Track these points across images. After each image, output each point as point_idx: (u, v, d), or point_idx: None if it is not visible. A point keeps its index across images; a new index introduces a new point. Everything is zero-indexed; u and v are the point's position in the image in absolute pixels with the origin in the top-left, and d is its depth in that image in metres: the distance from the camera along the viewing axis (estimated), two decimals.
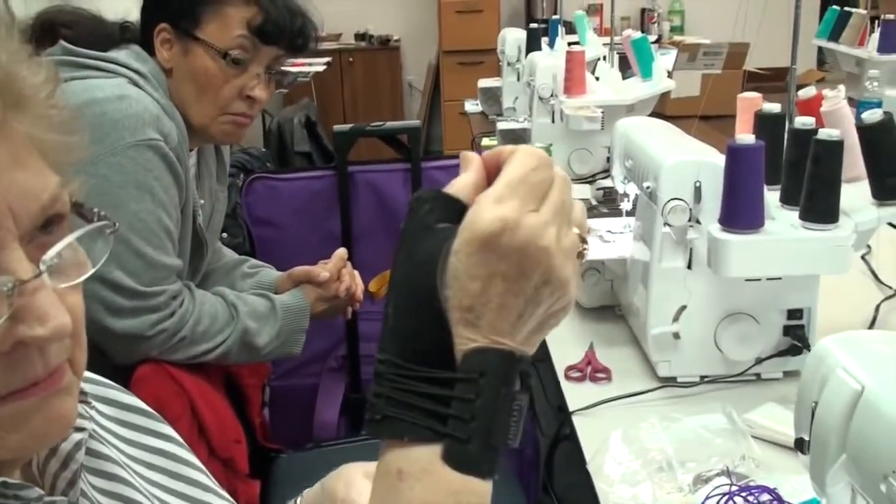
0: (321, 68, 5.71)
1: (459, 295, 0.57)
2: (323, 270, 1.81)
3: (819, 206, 1.36)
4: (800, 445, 0.82)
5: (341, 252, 1.86)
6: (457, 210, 0.58)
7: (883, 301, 1.77)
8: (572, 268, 0.60)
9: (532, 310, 0.59)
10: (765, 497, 1.16)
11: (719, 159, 1.42)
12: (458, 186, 0.60)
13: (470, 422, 0.56)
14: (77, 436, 0.69)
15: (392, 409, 0.58)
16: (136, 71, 1.57)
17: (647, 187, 1.52)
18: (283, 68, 1.69)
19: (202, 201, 1.76)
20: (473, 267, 0.57)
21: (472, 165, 0.61)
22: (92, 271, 0.61)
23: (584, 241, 0.61)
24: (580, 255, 0.61)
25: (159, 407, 0.85)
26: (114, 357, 1.53)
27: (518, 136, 2.92)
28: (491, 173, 0.61)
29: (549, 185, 0.59)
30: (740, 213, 1.37)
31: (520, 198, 0.57)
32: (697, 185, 1.44)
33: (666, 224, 1.46)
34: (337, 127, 2.24)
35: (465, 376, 0.57)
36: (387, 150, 2.29)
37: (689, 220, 1.45)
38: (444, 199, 0.59)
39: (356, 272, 1.89)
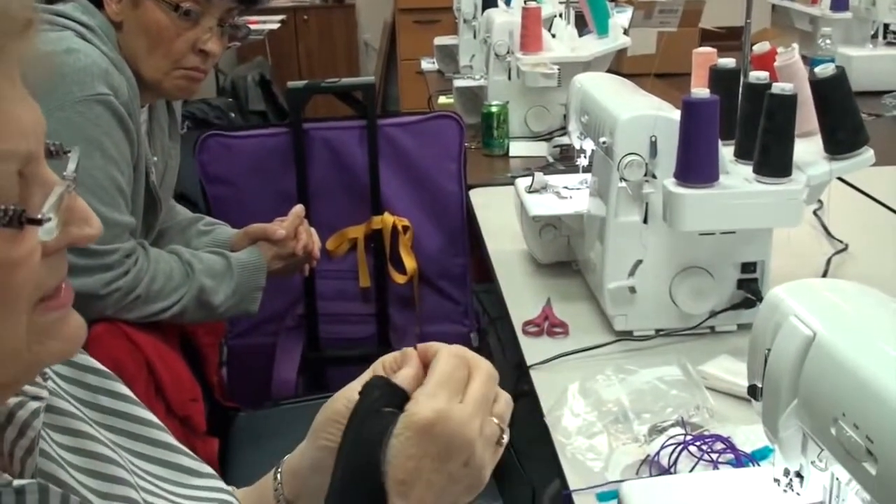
0: (275, 26, 5.62)
1: (397, 470, 0.68)
2: (279, 228, 1.79)
3: (772, 160, 1.38)
4: (753, 392, 0.84)
5: (298, 209, 1.85)
6: (400, 397, 0.70)
7: (834, 255, 1.80)
8: (490, 454, 0.71)
9: (451, 487, 0.69)
10: (718, 446, 1.19)
11: (675, 114, 1.43)
12: (401, 378, 0.72)
13: None
14: (34, 404, 0.69)
15: None
16: (83, 24, 1.53)
17: (604, 142, 1.52)
18: (236, 22, 1.66)
19: (155, 158, 1.73)
20: (410, 448, 0.68)
21: (412, 361, 0.74)
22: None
23: (502, 430, 0.72)
24: (499, 442, 0.72)
25: (115, 366, 0.84)
26: None
27: (475, 94, 2.90)
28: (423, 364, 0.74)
29: (466, 380, 0.71)
30: (695, 167, 1.38)
31: (448, 393, 0.69)
32: (653, 139, 1.44)
33: (622, 179, 1.47)
34: (291, 83, 2.21)
35: None
36: (342, 109, 2.27)
37: (645, 175, 1.46)
38: (391, 387, 0.71)
39: (313, 230, 1.88)
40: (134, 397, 0.83)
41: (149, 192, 1.66)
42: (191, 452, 0.84)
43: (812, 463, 0.79)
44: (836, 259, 1.78)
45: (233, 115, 3.00)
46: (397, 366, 0.76)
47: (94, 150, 1.48)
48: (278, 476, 0.86)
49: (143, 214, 1.67)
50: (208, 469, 0.84)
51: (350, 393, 0.78)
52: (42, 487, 0.64)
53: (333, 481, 0.70)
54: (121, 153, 1.52)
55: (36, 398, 0.69)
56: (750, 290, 1.49)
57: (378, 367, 0.78)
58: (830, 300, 0.79)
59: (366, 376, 0.78)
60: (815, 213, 1.95)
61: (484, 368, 0.73)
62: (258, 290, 1.74)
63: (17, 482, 0.62)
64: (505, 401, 0.74)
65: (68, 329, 0.64)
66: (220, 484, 0.83)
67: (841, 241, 1.85)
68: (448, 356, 0.73)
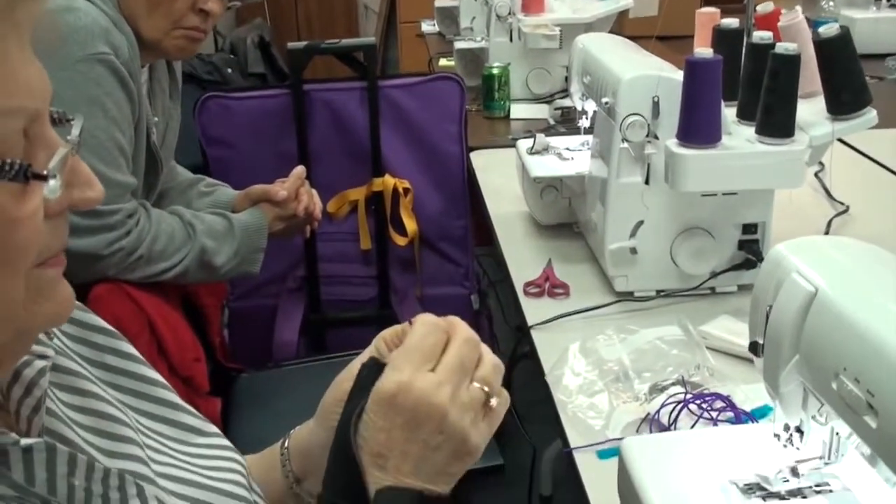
0: None
1: (370, 443, 0.70)
2: (281, 189, 1.79)
3: (775, 120, 1.37)
4: (754, 349, 0.84)
5: (299, 170, 1.85)
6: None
7: (835, 216, 1.80)
8: (471, 419, 0.71)
9: (431, 455, 0.70)
10: (718, 404, 1.20)
11: (678, 74, 1.42)
12: (388, 355, 0.73)
13: None
14: (39, 363, 0.69)
15: None
16: None
17: (606, 103, 1.52)
18: None
19: (156, 119, 1.72)
20: (379, 421, 0.70)
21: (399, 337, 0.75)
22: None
23: (489, 394, 0.72)
24: (486, 405, 0.72)
25: (117, 326, 0.83)
26: (69, 276, 1.50)
27: (475, 56, 2.89)
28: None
29: (440, 347, 0.72)
30: (698, 127, 1.38)
31: (413, 364, 0.70)
32: (656, 100, 1.44)
33: (624, 140, 1.47)
34: (291, 44, 2.20)
35: None
36: (342, 72, 2.25)
37: (647, 136, 1.46)
38: (380, 367, 0.72)
39: (314, 192, 1.88)
40: (139, 356, 0.83)
41: (150, 153, 1.66)
42: (195, 411, 0.85)
43: (812, 418, 0.79)
44: (837, 221, 1.78)
45: (229, 70, 2.96)
46: (398, 340, 0.77)
47: (95, 109, 1.47)
48: (285, 451, 0.86)
49: (144, 175, 1.67)
50: (212, 428, 0.84)
51: (353, 370, 0.78)
52: (49, 446, 0.64)
53: (329, 457, 0.73)
54: (122, 113, 1.52)
55: (42, 357, 0.69)
56: (751, 250, 1.49)
57: (379, 342, 0.78)
58: (833, 257, 0.80)
59: (368, 352, 0.79)
60: (816, 175, 1.95)
61: (461, 333, 0.73)
62: (260, 252, 1.74)
63: (24, 441, 0.63)
64: (491, 364, 0.74)
65: (63, 292, 0.64)
66: (224, 442, 0.84)
67: (842, 203, 1.85)
68: (420, 325, 0.73)
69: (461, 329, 0.74)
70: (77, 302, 0.82)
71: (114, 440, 0.74)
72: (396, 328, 0.78)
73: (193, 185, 1.89)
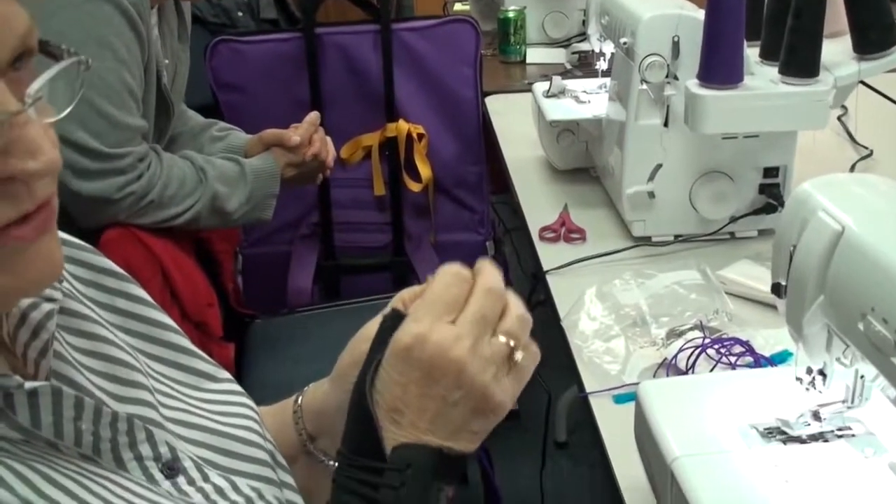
0: None
1: (386, 397, 0.67)
2: (294, 135, 1.77)
3: (799, 60, 1.33)
4: (776, 290, 0.82)
5: (313, 116, 1.82)
6: None
7: (858, 161, 1.76)
8: (494, 374, 0.66)
9: (449, 411, 0.66)
10: (737, 349, 1.18)
11: (699, 13, 1.39)
12: (410, 306, 0.70)
13: None
14: (47, 306, 0.67)
15: (340, 494, 0.68)
16: None
17: (624, 43, 1.48)
18: None
19: (166, 61, 1.69)
20: (395, 375, 0.67)
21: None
22: (69, 109, 0.59)
23: (513, 348, 0.68)
24: (511, 359, 0.68)
25: (128, 271, 0.82)
26: (80, 221, 1.50)
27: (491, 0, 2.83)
28: None
29: (463, 298, 0.68)
30: (719, 67, 1.34)
31: (432, 315, 0.67)
32: (675, 39, 1.40)
33: (643, 81, 1.43)
34: None
35: (392, 466, 0.66)
36: (356, 14, 2.21)
37: (667, 77, 1.42)
38: (400, 319, 0.68)
39: (328, 139, 1.85)
40: (150, 300, 0.81)
41: (161, 96, 1.64)
42: (207, 357, 0.83)
43: (837, 360, 0.77)
44: (861, 165, 1.75)
45: (240, 14, 2.90)
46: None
47: (105, 51, 1.45)
48: (298, 409, 0.84)
49: (155, 119, 1.65)
50: (224, 374, 0.83)
51: (369, 331, 0.75)
52: (55, 389, 0.63)
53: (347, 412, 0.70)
54: (132, 54, 1.49)
55: (49, 300, 0.67)
56: (772, 195, 1.46)
57: (397, 302, 0.75)
58: (860, 194, 0.77)
59: (386, 311, 0.75)
60: (839, 119, 1.91)
61: (484, 282, 0.69)
62: (272, 198, 1.73)
63: (28, 384, 0.61)
64: (517, 316, 0.69)
65: (33, 258, 0.58)
66: (237, 388, 0.83)
67: (866, 148, 1.81)
68: (443, 275, 0.69)
69: (486, 277, 0.69)
70: (88, 245, 0.80)
71: (123, 385, 0.73)
72: (416, 289, 0.74)
73: (206, 130, 1.87)
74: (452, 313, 0.67)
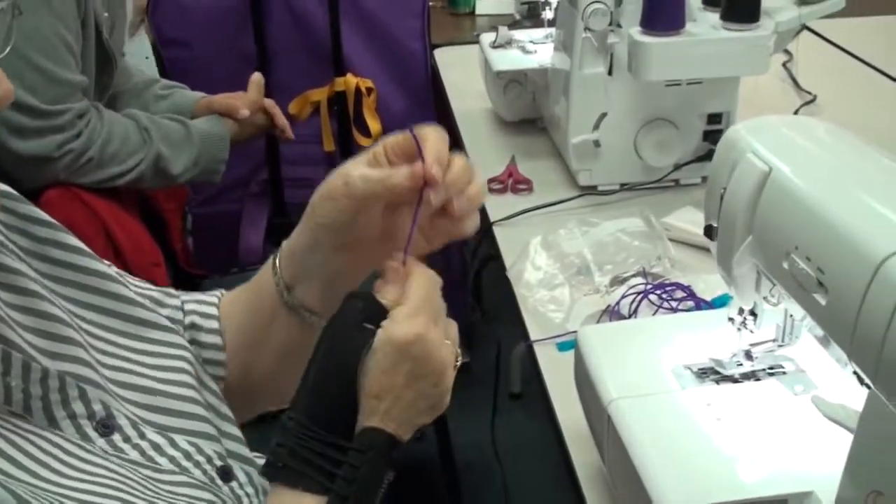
0: None
1: (372, 383, 0.70)
2: (242, 107, 1.75)
3: (740, 5, 1.34)
4: (709, 232, 0.83)
5: (257, 78, 1.80)
6: (380, 313, 0.72)
7: (802, 106, 1.77)
8: (452, 379, 0.73)
9: (418, 403, 0.71)
10: (679, 294, 1.19)
11: None
12: (385, 296, 0.73)
13: (352, 483, 0.69)
14: None
15: (293, 461, 0.70)
16: None
17: None
18: None
19: (105, 14, 1.65)
20: (387, 364, 0.70)
21: (397, 278, 0.73)
22: (4, 52, 0.57)
23: (458, 353, 0.74)
24: (455, 366, 0.74)
25: (71, 230, 0.80)
26: (20, 181, 1.47)
27: None
28: (411, 155, 0.73)
29: (441, 306, 0.74)
30: (661, 14, 1.34)
31: (426, 315, 0.71)
32: None
33: (586, 29, 1.43)
34: None
35: (358, 447, 0.69)
36: None
37: (610, 25, 1.42)
38: (374, 302, 0.72)
39: (276, 108, 1.83)
40: (87, 249, 0.80)
41: (101, 50, 1.60)
42: (149, 304, 0.82)
43: (765, 299, 0.79)
44: (804, 110, 1.76)
45: None
46: (400, 151, 0.74)
47: (39, 5, 1.41)
48: (277, 264, 0.84)
49: (97, 74, 1.61)
50: (164, 322, 0.82)
51: (347, 170, 0.75)
52: None
53: (306, 381, 0.72)
54: (67, 8, 1.46)
55: None
56: (715, 141, 1.45)
57: (379, 151, 0.75)
58: (789, 136, 0.78)
59: (362, 159, 0.76)
60: (784, 65, 1.92)
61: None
62: (221, 163, 1.71)
63: None
64: (454, 326, 0.76)
65: None
66: (176, 339, 0.82)
67: (809, 93, 1.83)
68: (429, 278, 0.74)
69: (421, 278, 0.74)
70: (14, 192, 0.79)
71: (57, 341, 0.72)
72: (398, 138, 0.75)
73: (149, 87, 1.83)
74: (440, 318, 0.73)
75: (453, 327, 0.75)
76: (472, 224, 0.79)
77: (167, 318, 0.83)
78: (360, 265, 0.80)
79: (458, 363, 0.74)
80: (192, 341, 0.86)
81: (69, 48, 1.47)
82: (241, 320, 0.87)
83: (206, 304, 0.89)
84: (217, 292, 0.91)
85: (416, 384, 0.70)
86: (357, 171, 0.74)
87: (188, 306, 0.88)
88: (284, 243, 0.84)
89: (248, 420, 0.90)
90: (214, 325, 0.87)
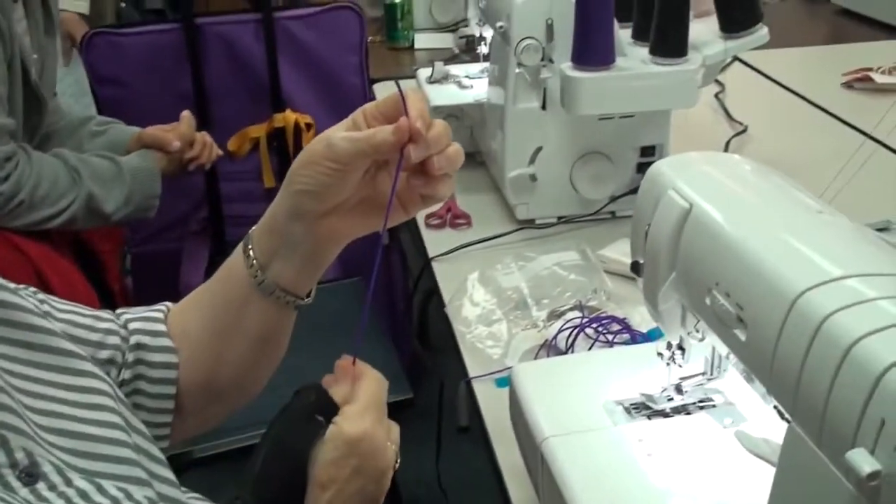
0: None
1: (320, 472, 0.74)
2: (174, 139, 1.73)
3: (668, 40, 1.36)
4: (635, 269, 0.84)
5: (187, 114, 1.78)
6: (330, 408, 0.76)
7: (733, 136, 1.80)
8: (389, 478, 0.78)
9: (357, 497, 0.75)
10: (615, 327, 1.20)
11: None
12: (336, 393, 0.77)
13: None
14: None
15: None
16: None
17: (500, 27, 1.48)
18: None
19: (35, 56, 1.63)
20: (336, 456, 0.74)
21: (346, 378, 0.77)
22: None
23: (397, 456, 0.79)
24: (394, 468, 0.79)
25: (1, 276, 0.79)
26: None
27: None
28: (390, 116, 0.75)
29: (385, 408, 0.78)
30: (591, 49, 1.36)
31: (374, 416, 0.75)
32: (549, 22, 1.41)
33: (519, 64, 1.44)
34: None
35: None
36: (238, 4, 2.17)
37: (542, 60, 1.43)
38: (325, 397, 0.76)
39: (208, 137, 1.82)
40: (13, 302, 0.78)
41: (30, 92, 1.58)
42: (72, 349, 0.80)
43: (689, 334, 0.79)
44: (736, 141, 1.79)
45: (122, 4, 2.82)
46: (379, 114, 0.76)
47: None
48: (248, 240, 0.84)
49: (26, 116, 1.59)
50: (86, 365, 0.80)
51: (327, 135, 0.76)
52: None
53: (254, 463, 0.74)
54: None
55: None
56: None
57: (358, 115, 0.77)
58: (709, 173, 0.79)
59: (344, 124, 0.77)
60: (716, 95, 1.95)
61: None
62: (154, 198, 1.69)
63: None
64: (397, 428, 0.80)
65: None
66: (97, 383, 0.79)
67: (741, 123, 1.86)
68: (377, 381, 0.78)
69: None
70: None
71: None
72: (377, 103, 0.77)
73: (84, 125, 1.81)
74: (383, 419, 0.77)
75: (396, 429, 0.79)
76: (447, 187, 0.80)
77: (97, 342, 0.83)
78: (339, 235, 0.81)
79: (398, 465, 0.78)
80: (138, 361, 0.85)
81: None
82: (206, 316, 0.87)
83: (153, 322, 0.88)
84: (162, 306, 0.91)
85: (359, 479, 0.74)
86: (340, 133, 0.76)
87: (133, 325, 0.88)
88: (255, 227, 0.84)
89: (212, 428, 0.93)
90: (165, 342, 0.87)
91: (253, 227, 0.85)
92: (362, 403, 0.76)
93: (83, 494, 0.71)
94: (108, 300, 1.80)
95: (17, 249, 1.48)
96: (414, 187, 0.78)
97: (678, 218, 0.74)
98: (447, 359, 1.79)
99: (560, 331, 1.19)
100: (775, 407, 0.63)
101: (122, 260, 2.13)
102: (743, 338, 0.65)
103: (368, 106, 0.78)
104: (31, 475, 0.69)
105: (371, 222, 0.81)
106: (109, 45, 2.08)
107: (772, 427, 0.76)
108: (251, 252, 0.83)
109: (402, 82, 0.80)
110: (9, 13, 1.47)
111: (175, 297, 2.16)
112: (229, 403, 0.91)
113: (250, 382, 0.89)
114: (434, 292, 1.59)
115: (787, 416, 0.61)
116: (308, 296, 0.85)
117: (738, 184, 0.77)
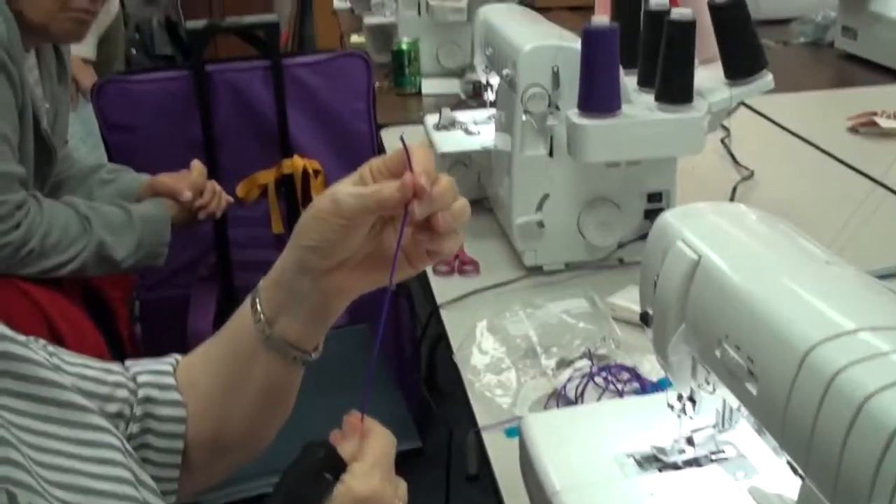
0: None
1: None
2: (186, 189, 1.74)
3: (673, 87, 1.37)
4: (644, 319, 0.83)
5: (198, 165, 1.80)
6: (338, 465, 0.75)
7: (740, 182, 1.81)
8: None
9: None
10: (624, 375, 1.19)
11: (577, 44, 1.41)
12: (344, 450, 0.76)
13: None
14: None
15: None
16: None
17: (507, 75, 1.50)
18: None
19: (46, 105, 1.65)
20: None
21: (354, 434, 0.77)
22: None
23: None
24: None
25: (10, 325, 0.78)
26: None
27: (385, 31, 2.84)
28: (397, 172, 0.75)
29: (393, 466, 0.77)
30: (597, 97, 1.37)
31: (382, 473, 0.75)
32: (555, 70, 1.42)
33: (526, 112, 1.45)
34: (190, 23, 2.13)
35: None
36: (247, 50, 2.19)
37: (549, 107, 1.44)
38: (333, 454, 0.75)
39: (217, 186, 1.83)
40: (9, 332, 0.78)
41: (41, 140, 1.59)
42: (84, 403, 0.80)
43: (699, 386, 0.79)
44: (742, 186, 1.79)
45: (133, 51, 2.86)
46: (385, 169, 0.76)
47: None
48: (256, 294, 0.83)
49: (36, 164, 1.61)
50: (93, 418, 0.79)
51: (333, 190, 0.76)
52: None
53: None
54: (4, 100, 1.45)
55: None
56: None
57: (364, 170, 0.77)
58: (717, 223, 0.79)
59: (350, 179, 0.76)
60: (722, 141, 1.96)
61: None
62: (164, 246, 1.70)
63: None
64: (404, 486, 0.79)
65: None
66: (106, 438, 0.79)
67: (747, 168, 1.86)
68: (385, 437, 0.78)
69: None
70: None
71: None
72: (384, 158, 0.77)
73: (95, 173, 1.82)
74: (390, 477, 0.76)
75: (403, 486, 0.78)
76: (454, 243, 0.80)
77: (106, 396, 0.83)
78: (346, 290, 0.81)
79: None
80: (147, 415, 0.85)
81: (6, 139, 1.46)
82: (214, 370, 0.87)
83: (162, 374, 0.88)
84: (171, 358, 0.91)
85: None
86: (346, 189, 0.75)
87: (142, 378, 0.87)
88: (263, 279, 0.84)
89: (217, 482, 0.92)
90: (174, 395, 0.86)
91: (261, 280, 0.85)
92: (370, 461, 0.76)
93: None
94: (118, 347, 1.80)
95: (27, 297, 1.49)
96: (420, 243, 0.78)
97: (687, 269, 0.74)
98: (455, 405, 1.79)
99: (569, 380, 1.18)
100: (788, 462, 0.63)
101: (132, 307, 2.14)
102: (754, 391, 0.64)
103: (375, 161, 0.78)
104: None
105: (377, 277, 0.81)
106: (120, 92, 2.10)
107: (784, 480, 0.75)
108: (259, 306, 0.83)
109: (409, 129, 0.81)
110: (21, 62, 1.49)
111: (183, 344, 2.15)
112: (236, 458, 0.91)
113: (257, 437, 0.89)
114: (442, 338, 1.58)
115: (800, 471, 0.60)
116: (315, 350, 0.85)
117: (746, 234, 0.77)
